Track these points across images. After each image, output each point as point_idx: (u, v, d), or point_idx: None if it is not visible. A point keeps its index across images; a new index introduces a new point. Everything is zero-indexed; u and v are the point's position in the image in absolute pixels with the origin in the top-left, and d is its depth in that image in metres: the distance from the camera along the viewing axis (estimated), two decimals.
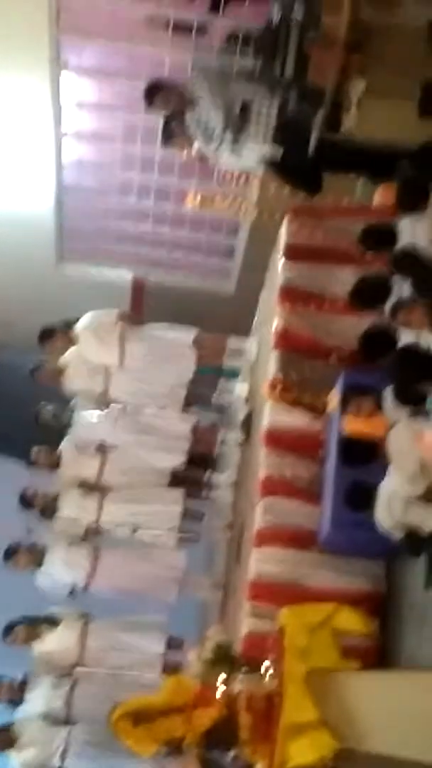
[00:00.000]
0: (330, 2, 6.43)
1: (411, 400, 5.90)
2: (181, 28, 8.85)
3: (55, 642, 8.16)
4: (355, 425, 6.29)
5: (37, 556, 8.34)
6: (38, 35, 8.85)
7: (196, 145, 7.71)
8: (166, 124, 7.73)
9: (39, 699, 7.99)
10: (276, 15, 7.33)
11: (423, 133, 6.21)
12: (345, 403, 6.48)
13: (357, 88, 6.49)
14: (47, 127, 9.78)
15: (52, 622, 8.22)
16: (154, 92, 7.54)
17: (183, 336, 8.68)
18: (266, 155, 7.60)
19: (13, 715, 8.07)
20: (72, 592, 8.45)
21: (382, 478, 6.17)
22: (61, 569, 8.33)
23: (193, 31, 8.83)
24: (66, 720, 7.90)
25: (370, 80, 6.45)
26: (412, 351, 5.95)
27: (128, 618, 8.41)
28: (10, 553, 8.35)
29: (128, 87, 9.23)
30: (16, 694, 8.07)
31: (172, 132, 7.75)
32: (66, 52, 9.16)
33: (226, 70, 7.71)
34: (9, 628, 8.12)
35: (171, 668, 7.93)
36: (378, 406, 6.21)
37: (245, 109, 7.33)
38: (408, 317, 5.93)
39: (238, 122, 7.33)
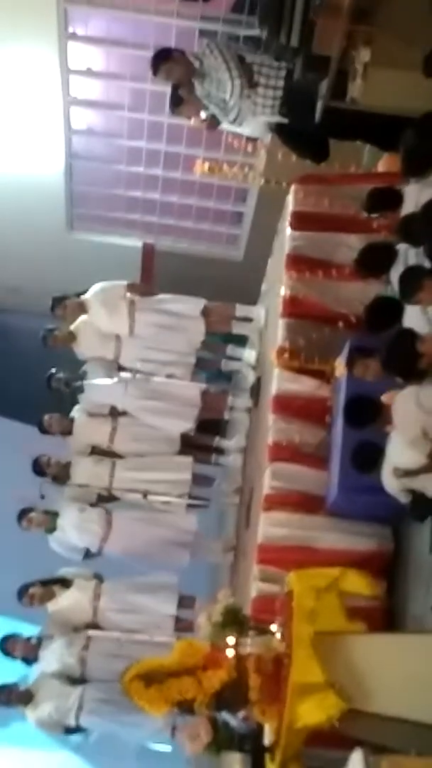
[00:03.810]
0: None
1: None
2: None
3: (68, 601, 8.27)
4: None
5: (49, 520, 8.45)
6: (46, 4, 8.88)
7: (203, 113, 7.73)
8: (174, 91, 7.74)
9: (53, 657, 8.10)
10: None
11: (428, 101, 6.22)
12: (351, 365, 6.49)
13: (362, 56, 6.49)
14: (55, 95, 9.82)
15: (65, 583, 8.34)
16: (160, 62, 7.54)
17: (192, 306, 8.71)
18: (273, 123, 7.63)
19: (28, 673, 8.21)
20: (86, 556, 8.57)
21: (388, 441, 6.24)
22: (73, 534, 8.43)
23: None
24: (80, 678, 8.02)
25: (375, 49, 6.44)
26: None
27: (140, 579, 8.50)
28: (24, 514, 8.46)
29: (135, 55, 9.25)
30: (32, 652, 8.20)
31: (180, 99, 7.76)
32: (73, 21, 9.18)
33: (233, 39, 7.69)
34: (24, 590, 8.22)
35: (183, 628, 8.05)
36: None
37: (252, 77, 7.36)
38: (421, 296, 5.91)
39: (247, 91, 7.35)
